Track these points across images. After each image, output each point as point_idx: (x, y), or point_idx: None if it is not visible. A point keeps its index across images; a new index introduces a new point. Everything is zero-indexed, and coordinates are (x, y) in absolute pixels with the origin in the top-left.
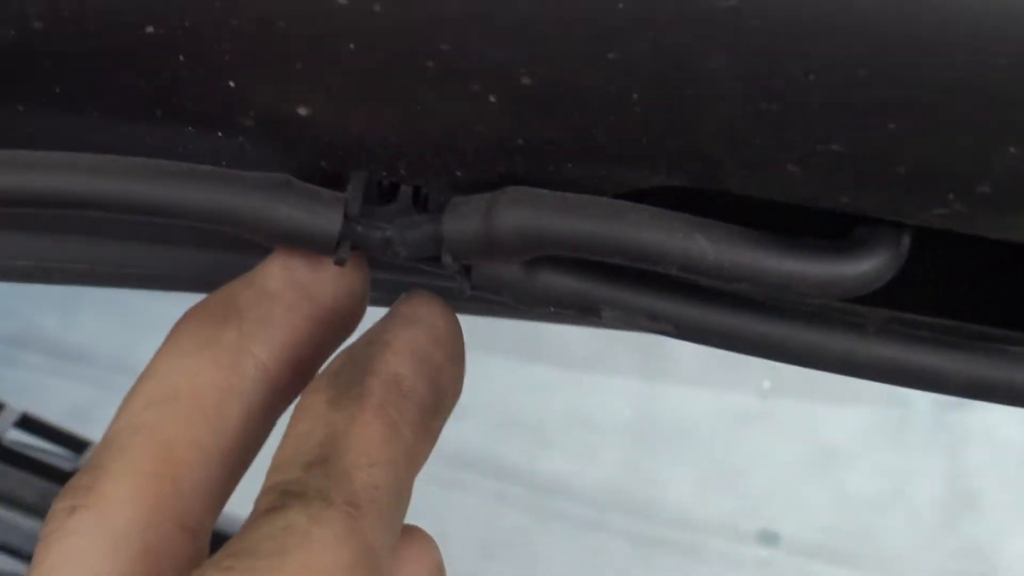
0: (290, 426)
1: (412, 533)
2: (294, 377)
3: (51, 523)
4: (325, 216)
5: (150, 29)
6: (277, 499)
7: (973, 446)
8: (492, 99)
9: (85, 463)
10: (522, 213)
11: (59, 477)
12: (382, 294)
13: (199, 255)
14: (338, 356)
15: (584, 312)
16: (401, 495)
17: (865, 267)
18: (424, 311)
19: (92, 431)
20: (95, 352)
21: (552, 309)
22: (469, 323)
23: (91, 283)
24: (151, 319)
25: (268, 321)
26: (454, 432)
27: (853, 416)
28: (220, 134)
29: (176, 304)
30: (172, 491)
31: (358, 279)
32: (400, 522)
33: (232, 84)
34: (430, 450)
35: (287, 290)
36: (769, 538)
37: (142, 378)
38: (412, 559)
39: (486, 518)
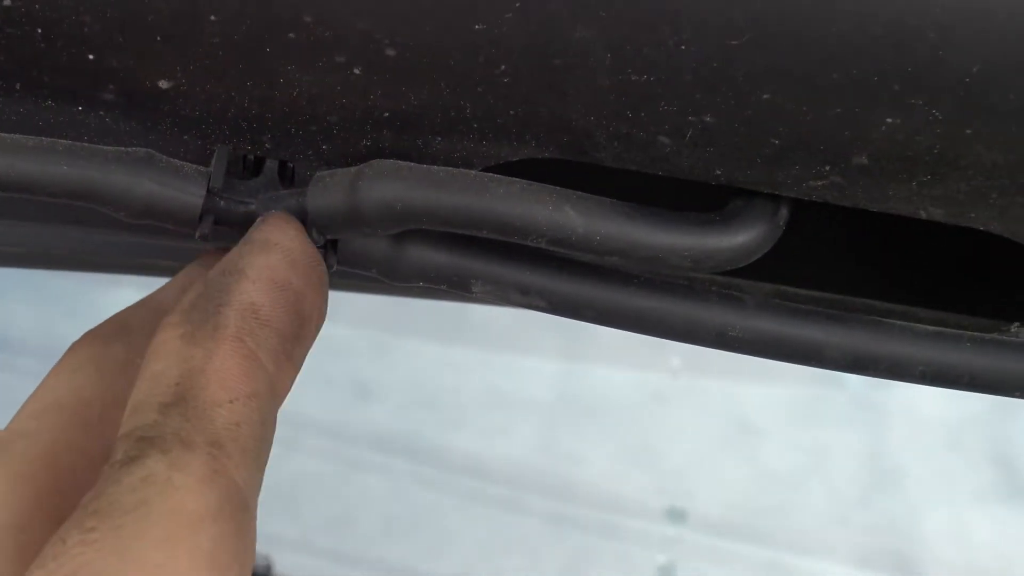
0: (144, 366)
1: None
2: None
3: None
4: (187, 191)
5: (7, 2)
6: (133, 447)
7: (894, 423)
8: (357, 71)
9: None
10: (387, 186)
11: None
12: None
13: (67, 232)
14: (192, 288)
15: (455, 287)
16: (265, 429)
17: (740, 239)
18: (279, 236)
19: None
20: (8, 336)
21: (422, 284)
22: (384, 304)
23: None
24: (68, 304)
25: None
26: (366, 412)
27: (771, 393)
28: (80, 108)
29: (95, 288)
30: (52, 491)
31: None
32: (265, 457)
33: (91, 57)
34: (293, 378)
35: None
36: (677, 516)
37: (33, 393)
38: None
39: (397, 498)
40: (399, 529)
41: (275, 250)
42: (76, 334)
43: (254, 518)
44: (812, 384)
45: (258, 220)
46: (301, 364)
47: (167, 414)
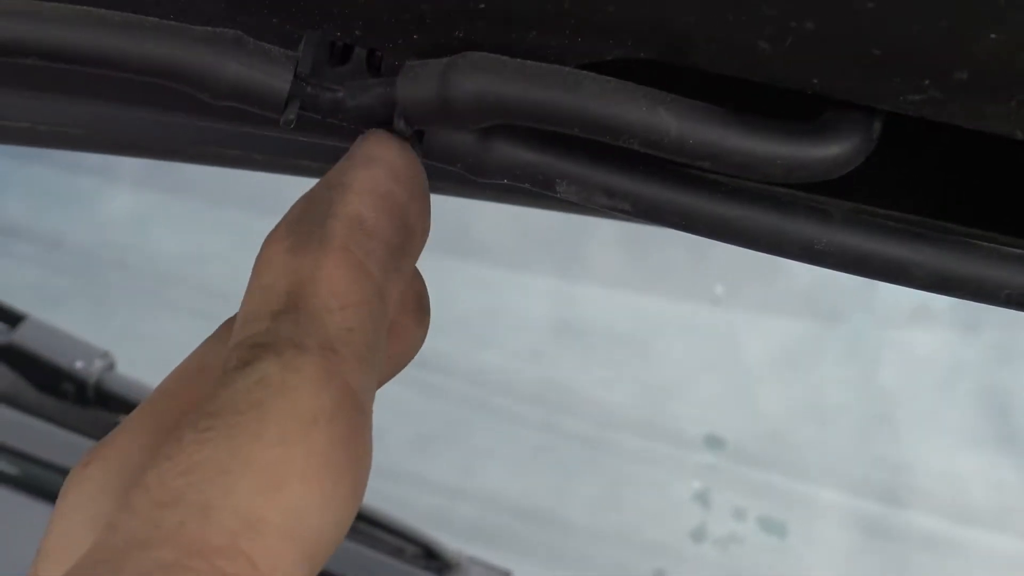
0: (252, 279)
1: None
2: None
3: (71, 475)
4: (274, 74)
5: None
6: (247, 353)
7: (893, 362)
8: None
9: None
10: (480, 78)
11: None
12: (330, 164)
13: (142, 115)
14: (296, 204)
15: (539, 186)
16: (377, 336)
17: (834, 151)
18: (381, 151)
19: None
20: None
21: (506, 181)
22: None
23: (28, 143)
24: (62, 197)
25: None
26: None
27: (783, 329)
28: None
29: (90, 184)
30: None
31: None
32: (379, 365)
33: None
34: (401, 290)
35: None
36: (714, 443)
37: (184, 359)
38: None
39: (421, 411)
40: (432, 445)
41: (378, 164)
42: (70, 225)
43: (370, 423)
44: (814, 318)
45: (359, 138)
46: (409, 277)
47: (279, 321)
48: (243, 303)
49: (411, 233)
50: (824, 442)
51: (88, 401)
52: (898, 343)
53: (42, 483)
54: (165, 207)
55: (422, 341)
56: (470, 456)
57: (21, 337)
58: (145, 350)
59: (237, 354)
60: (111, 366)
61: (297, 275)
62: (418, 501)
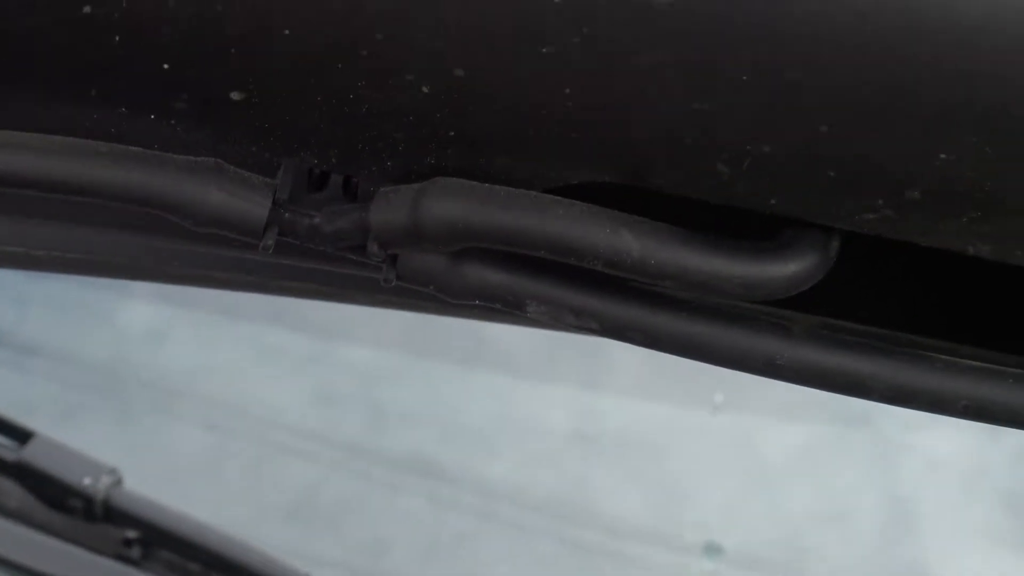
0: None
1: None
2: None
3: None
4: (254, 201)
5: (87, 9)
6: None
7: (914, 465)
8: (425, 90)
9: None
10: (450, 204)
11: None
12: (313, 285)
13: (133, 240)
14: None
15: (510, 306)
16: None
17: (791, 269)
18: None
19: None
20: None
21: (477, 302)
22: (417, 331)
23: (25, 267)
24: (83, 313)
25: None
26: (399, 438)
27: (792, 433)
28: (152, 116)
29: (110, 300)
30: None
31: None
32: None
33: (166, 66)
34: None
35: None
36: (713, 551)
37: None
38: None
39: (430, 523)
40: (435, 554)
41: None
42: (90, 342)
43: None
44: (831, 422)
45: None
46: None
47: None
48: None
49: None
50: (841, 548)
51: (96, 517)
52: (919, 446)
53: None
54: (178, 320)
55: None
56: (478, 565)
57: (30, 454)
58: (154, 464)
59: None
60: (118, 482)
61: None
62: None
